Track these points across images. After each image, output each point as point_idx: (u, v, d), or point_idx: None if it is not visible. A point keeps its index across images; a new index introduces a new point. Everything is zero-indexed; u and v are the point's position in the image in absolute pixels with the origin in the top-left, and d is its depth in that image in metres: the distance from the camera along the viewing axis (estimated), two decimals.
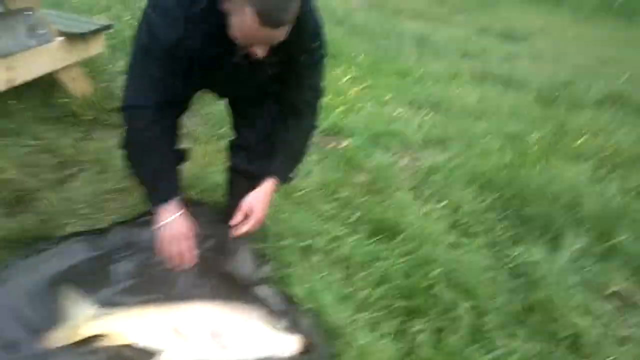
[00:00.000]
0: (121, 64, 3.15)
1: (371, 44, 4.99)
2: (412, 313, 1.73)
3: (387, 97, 3.58)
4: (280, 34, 1.22)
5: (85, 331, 1.37)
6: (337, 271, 1.87)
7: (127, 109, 1.44)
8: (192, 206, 1.69)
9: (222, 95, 1.81)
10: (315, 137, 2.80)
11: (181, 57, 1.34)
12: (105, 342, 1.35)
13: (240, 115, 1.81)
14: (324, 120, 2.98)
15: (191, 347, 1.37)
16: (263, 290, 1.66)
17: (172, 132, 1.58)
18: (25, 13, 2.27)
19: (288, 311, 1.61)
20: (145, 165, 1.50)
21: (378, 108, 3.37)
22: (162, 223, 1.49)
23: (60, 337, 1.36)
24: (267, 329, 1.44)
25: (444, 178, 2.61)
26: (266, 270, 1.78)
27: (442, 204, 2.39)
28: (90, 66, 2.96)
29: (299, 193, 2.28)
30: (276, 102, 1.67)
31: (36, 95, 2.62)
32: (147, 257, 1.65)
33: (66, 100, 2.61)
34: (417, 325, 1.67)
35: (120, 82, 2.96)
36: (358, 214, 2.23)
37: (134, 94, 1.42)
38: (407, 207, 2.31)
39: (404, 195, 2.40)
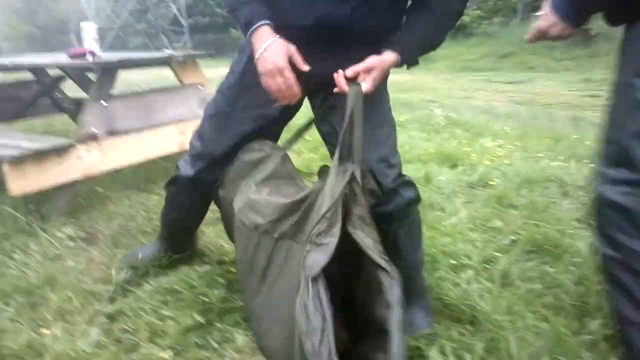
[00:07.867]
0: None
1: (519, 122, 4.85)
2: (589, 313, 1.46)
3: (540, 154, 3.36)
4: None
5: None
6: (493, 283, 1.68)
7: None
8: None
9: None
10: (460, 185, 2.72)
11: None
12: None
13: None
14: (471, 175, 2.88)
15: None
16: None
17: None
18: (198, 87, 2.69)
19: None
20: None
21: (530, 162, 3.16)
22: (256, 54, 1.28)
23: None
24: None
25: None
26: None
27: None
28: None
29: (446, 223, 2.16)
30: None
31: None
32: None
33: None
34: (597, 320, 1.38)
35: None
36: (513, 237, 2.03)
37: None
38: (573, 232, 2.05)
39: (568, 224, 2.14)
